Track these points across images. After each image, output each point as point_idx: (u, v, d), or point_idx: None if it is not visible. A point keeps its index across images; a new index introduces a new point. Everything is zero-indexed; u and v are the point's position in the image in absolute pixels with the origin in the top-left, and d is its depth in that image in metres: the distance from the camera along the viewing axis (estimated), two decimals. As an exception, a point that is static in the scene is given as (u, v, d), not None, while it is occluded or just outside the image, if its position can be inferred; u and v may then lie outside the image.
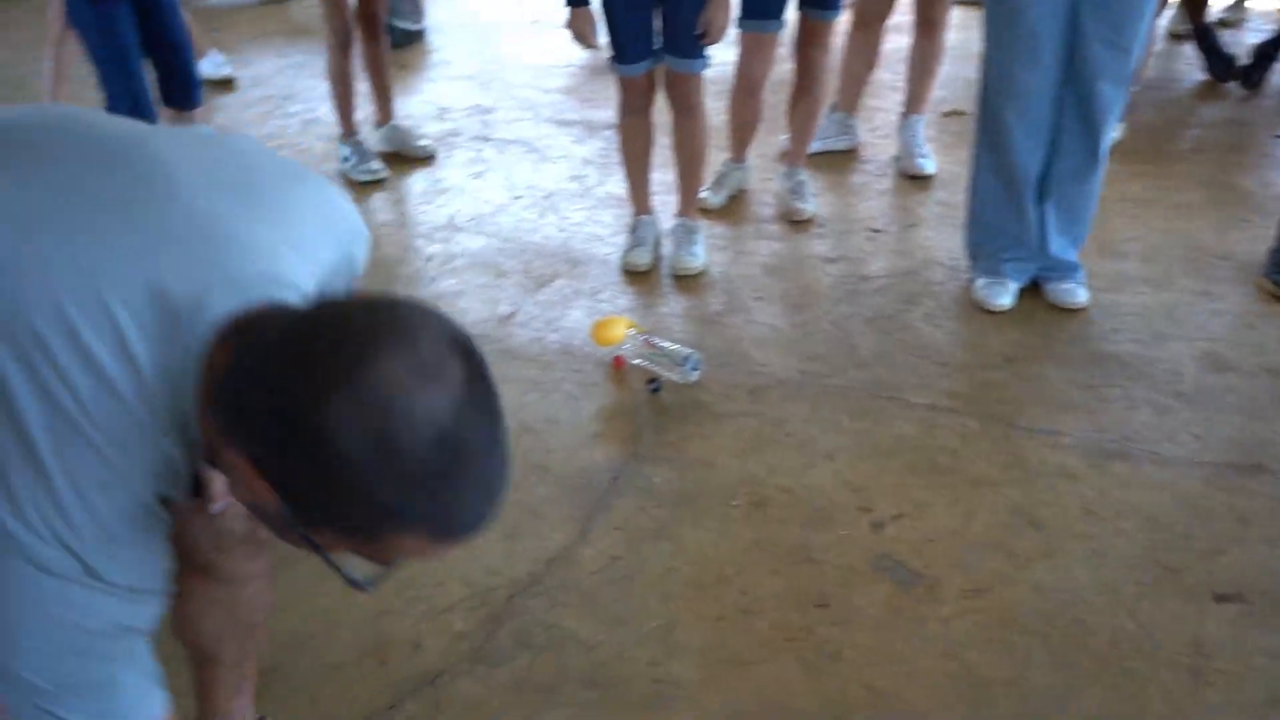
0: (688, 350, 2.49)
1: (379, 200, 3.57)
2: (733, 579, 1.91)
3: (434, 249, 3.20)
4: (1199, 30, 4.39)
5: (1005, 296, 2.73)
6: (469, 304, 2.88)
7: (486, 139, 4.03)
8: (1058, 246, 2.72)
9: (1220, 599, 1.85)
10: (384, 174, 3.65)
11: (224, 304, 0.83)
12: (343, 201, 1.11)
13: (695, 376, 2.45)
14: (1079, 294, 2.73)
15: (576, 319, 2.77)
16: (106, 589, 0.82)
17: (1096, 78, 2.47)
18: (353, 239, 1.10)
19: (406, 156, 3.81)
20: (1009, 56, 2.52)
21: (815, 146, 3.52)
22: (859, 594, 1.87)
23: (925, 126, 3.61)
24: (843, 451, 2.23)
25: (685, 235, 3.03)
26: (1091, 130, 2.54)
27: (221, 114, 4.34)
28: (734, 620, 1.82)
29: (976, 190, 2.75)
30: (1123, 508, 2.06)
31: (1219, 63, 4.35)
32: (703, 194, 3.24)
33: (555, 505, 2.10)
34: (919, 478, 2.15)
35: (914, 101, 3.56)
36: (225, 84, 4.62)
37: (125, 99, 2.86)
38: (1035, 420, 2.32)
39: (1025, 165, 2.61)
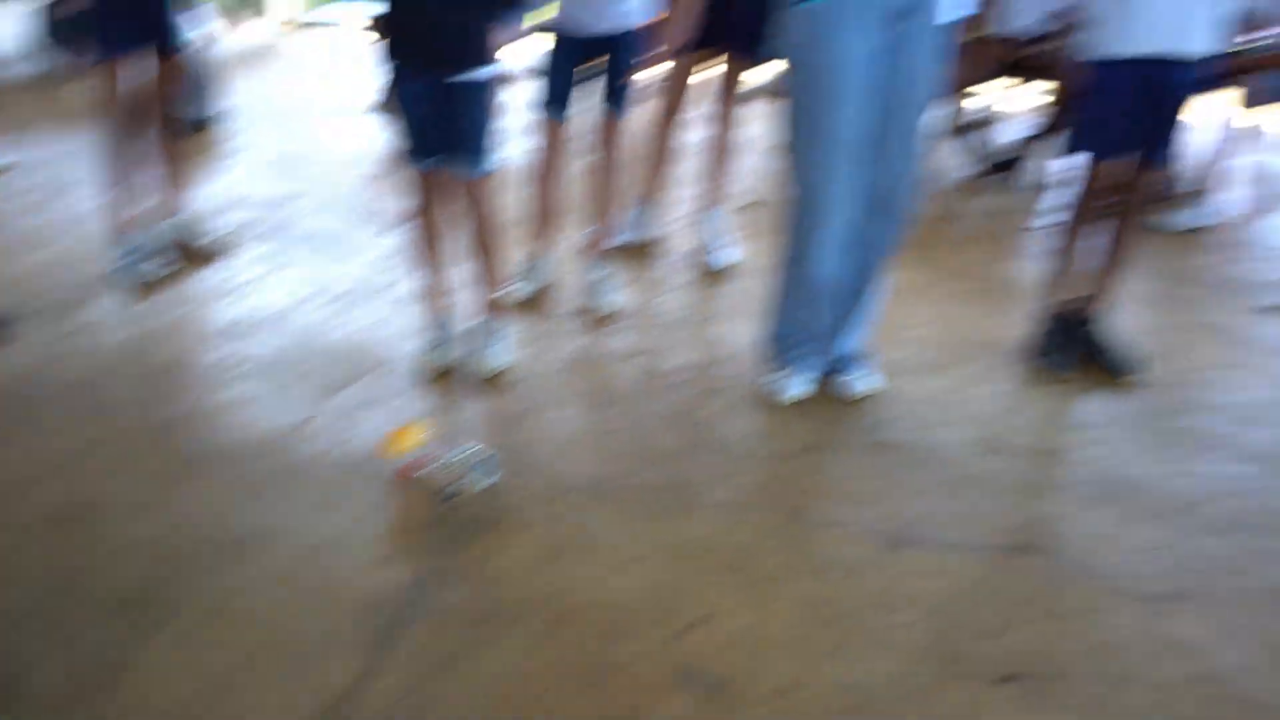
0: (482, 455, 2.42)
1: (162, 299, 3.36)
2: (538, 699, 1.83)
3: (221, 353, 3.03)
4: (962, 128, 4.79)
5: (797, 388, 2.81)
6: (257, 413, 2.72)
7: (283, 230, 3.89)
8: (845, 341, 2.84)
9: (1002, 680, 1.91)
10: (167, 271, 3.44)
11: None
12: None
13: (488, 483, 2.39)
14: (862, 384, 2.85)
15: (372, 427, 2.66)
16: None
17: (897, 184, 2.60)
18: None
19: (195, 251, 3.62)
20: (819, 174, 2.56)
21: (617, 239, 3.57)
22: (665, 706, 1.83)
23: (724, 218, 3.73)
24: (643, 557, 2.21)
25: (486, 334, 2.98)
26: (890, 229, 2.67)
27: None
28: (531, 751, 1.75)
29: (776, 287, 2.83)
30: (911, 596, 2.12)
31: (983, 158, 4.75)
32: (512, 287, 3.22)
33: (342, 638, 1.97)
34: (718, 577, 2.16)
35: (711, 194, 3.68)
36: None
37: None
38: (826, 511, 2.38)
39: (829, 271, 2.69)
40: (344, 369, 2.95)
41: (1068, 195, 2.99)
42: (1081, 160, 2.89)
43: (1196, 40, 2.71)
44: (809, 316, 2.78)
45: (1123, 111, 2.78)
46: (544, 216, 3.37)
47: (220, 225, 3.81)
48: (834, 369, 2.88)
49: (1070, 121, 2.97)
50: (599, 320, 3.26)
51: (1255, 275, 3.87)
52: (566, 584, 2.13)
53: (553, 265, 3.48)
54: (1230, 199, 4.42)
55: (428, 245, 2.94)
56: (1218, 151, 4.35)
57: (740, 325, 3.23)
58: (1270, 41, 3.89)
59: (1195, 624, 2.05)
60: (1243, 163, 4.49)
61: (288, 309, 3.29)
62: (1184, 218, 4.23)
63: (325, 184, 4.37)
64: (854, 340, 2.86)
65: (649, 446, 2.61)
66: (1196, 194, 4.31)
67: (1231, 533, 2.33)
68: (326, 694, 1.85)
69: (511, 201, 3.01)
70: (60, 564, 2.15)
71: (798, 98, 2.56)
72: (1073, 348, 3.02)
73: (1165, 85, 2.76)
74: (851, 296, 2.77)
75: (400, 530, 2.30)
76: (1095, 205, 2.92)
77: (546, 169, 3.27)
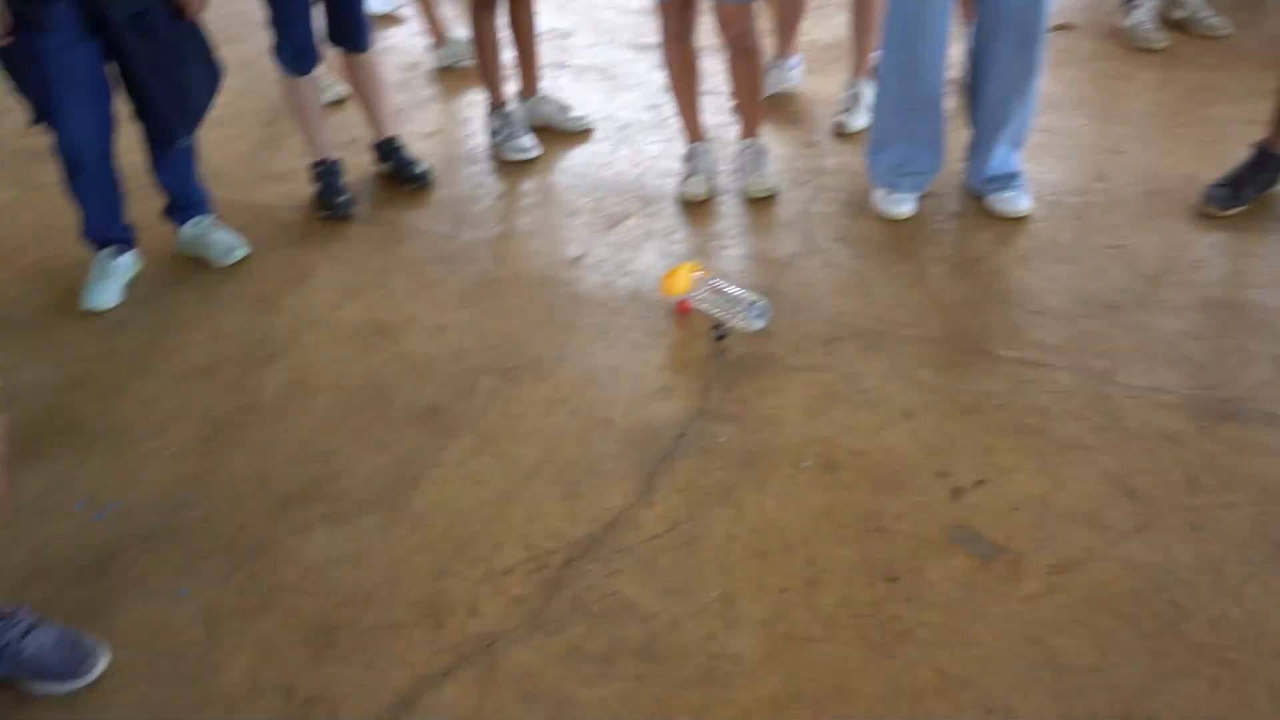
0: (754, 296, 2.36)
1: (451, 130, 3.49)
2: (798, 548, 1.82)
3: (504, 186, 3.12)
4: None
5: (906, 206, 2.76)
6: (539, 245, 2.80)
7: (562, 65, 3.90)
8: (996, 160, 2.73)
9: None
10: (537, 152, 3.25)
11: None
12: None
13: (760, 324, 2.33)
14: (1020, 203, 2.70)
15: (648, 261, 2.67)
16: None
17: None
18: None
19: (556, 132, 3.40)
20: None
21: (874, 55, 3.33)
22: (933, 567, 1.76)
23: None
24: (922, 410, 2.10)
25: (754, 158, 2.91)
26: (1026, 44, 2.52)
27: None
28: (798, 593, 1.74)
29: (881, 102, 2.73)
30: (1232, 476, 1.88)
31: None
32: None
33: (617, 463, 2.04)
34: (1004, 440, 2.01)
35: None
36: (391, 19, 4.47)
37: (290, 47, 2.80)
38: (1136, 376, 2.14)
39: (934, 80, 2.63)
40: (621, 203, 2.95)
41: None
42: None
43: None
44: (916, 128, 2.67)
45: None
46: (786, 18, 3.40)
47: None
48: (985, 189, 2.75)
49: None
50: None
51: None
52: (837, 432, 2.06)
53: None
54: None
55: (676, 75, 2.87)
56: None
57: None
58: None
59: None
60: None
61: (568, 143, 3.32)
62: None
63: (602, 16, 4.31)
64: (1004, 158, 2.71)
65: (934, 295, 2.44)
66: None
67: None
68: (604, 513, 1.92)
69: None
70: (371, 377, 2.35)
71: None
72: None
73: None
74: (999, 114, 2.64)
75: (674, 365, 2.31)
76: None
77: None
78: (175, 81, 2.54)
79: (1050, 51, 3.50)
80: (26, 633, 1.67)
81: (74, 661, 1.68)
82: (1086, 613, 1.66)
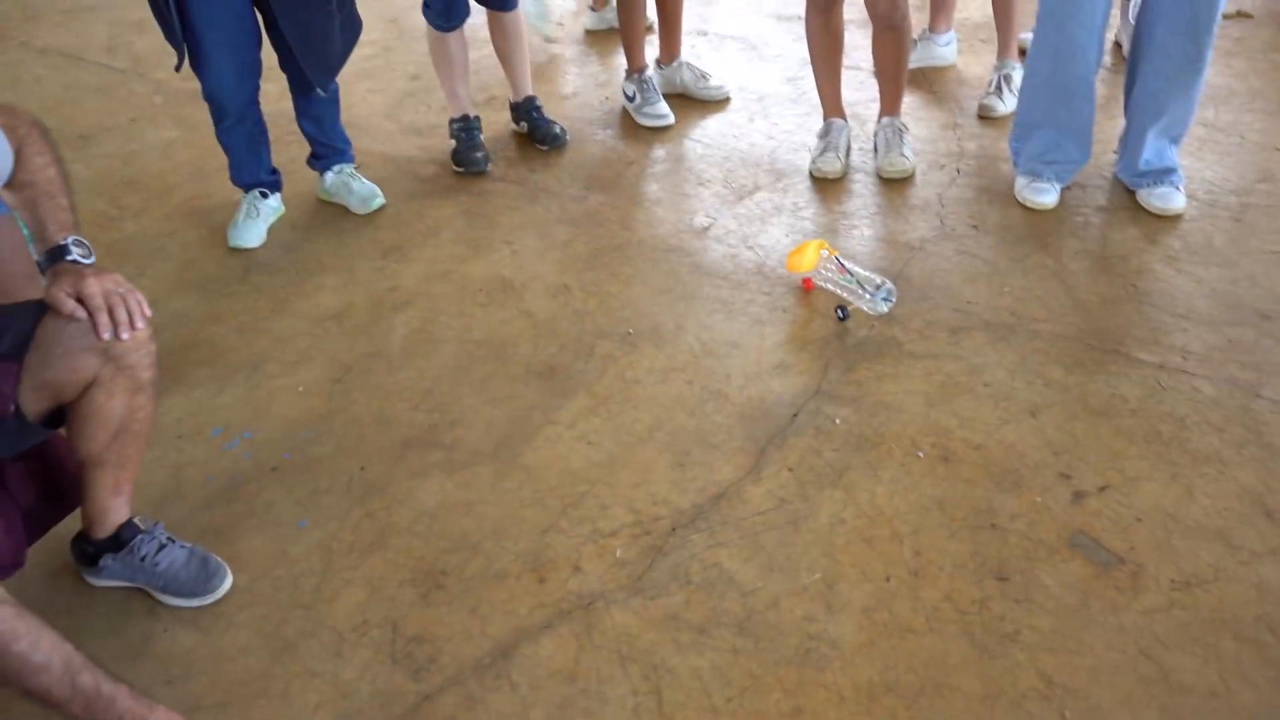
0: (881, 278, 2.31)
1: (588, 94, 3.51)
2: (906, 538, 1.79)
3: (636, 151, 3.13)
4: None
5: (1049, 196, 2.63)
6: (665, 213, 2.80)
7: (703, 34, 3.87)
8: (1152, 154, 2.60)
9: None
10: (671, 120, 3.25)
11: None
12: None
13: (885, 308, 2.29)
14: (1174, 200, 2.57)
15: (775, 236, 2.64)
16: None
17: None
18: None
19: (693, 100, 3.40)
20: None
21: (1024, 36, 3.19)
22: (1046, 571, 1.71)
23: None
24: (1048, 408, 2.03)
25: (894, 136, 2.83)
26: (1194, 36, 2.37)
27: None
28: (902, 583, 1.71)
29: (1030, 85, 2.62)
30: (1385, 507, 1.76)
31: None
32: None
33: (728, 436, 2.03)
34: (1135, 446, 1.92)
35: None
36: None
37: (439, 3, 2.87)
38: (1288, 391, 2.02)
39: (1087, 66, 2.51)
40: (752, 176, 2.93)
41: None
42: None
43: None
44: (1064, 114, 2.54)
45: None
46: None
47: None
48: (1137, 183, 2.62)
49: None
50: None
51: None
52: (956, 424, 2.01)
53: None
54: None
55: (819, 48, 2.82)
56: None
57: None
58: None
59: None
60: None
61: (702, 112, 3.30)
62: None
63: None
64: (1159, 152, 2.57)
65: (1071, 290, 2.34)
66: None
67: None
68: (711, 484, 1.92)
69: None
70: (493, 332, 2.40)
71: None
72: None
73: None
74: (1153, 106, 2.50)
75: (794, 343, 2.29)
76: None
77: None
78: (315, 31, 2.62)
79: (1221, 40, 3.31)
80: (160, 548, 1.78)
81: (201, 580, 1.79)
82: (1209, 633, 1.58)
